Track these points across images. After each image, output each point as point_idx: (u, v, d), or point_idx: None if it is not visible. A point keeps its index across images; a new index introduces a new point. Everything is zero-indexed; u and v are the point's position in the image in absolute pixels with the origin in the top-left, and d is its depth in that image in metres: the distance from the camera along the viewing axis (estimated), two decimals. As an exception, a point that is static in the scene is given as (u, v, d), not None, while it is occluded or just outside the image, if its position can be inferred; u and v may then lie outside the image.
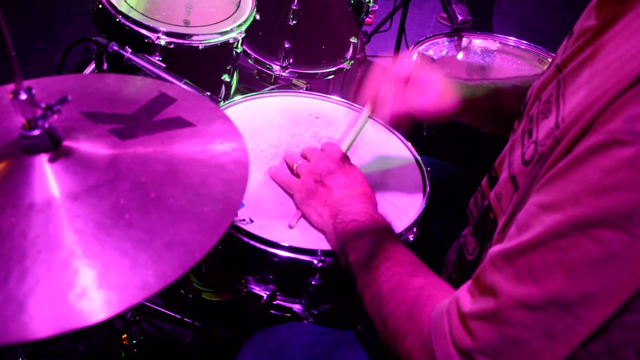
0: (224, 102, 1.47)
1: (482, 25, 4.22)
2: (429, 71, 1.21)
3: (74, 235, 0.71)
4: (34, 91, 0.75)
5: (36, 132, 0.77)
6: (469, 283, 0.79)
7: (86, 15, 3.95)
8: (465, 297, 0.76)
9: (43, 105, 0.74)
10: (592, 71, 0.72)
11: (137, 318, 1.64)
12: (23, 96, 0.74)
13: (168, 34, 1.57)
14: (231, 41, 1.67)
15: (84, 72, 2.11)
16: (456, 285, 1.06)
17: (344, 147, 1.33)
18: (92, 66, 2.07)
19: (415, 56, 1.99)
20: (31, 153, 0.78)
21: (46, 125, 0.77)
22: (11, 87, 0.96)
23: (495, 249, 0.74)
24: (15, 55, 0.75)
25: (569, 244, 0.62)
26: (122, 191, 0.76)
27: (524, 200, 0.75)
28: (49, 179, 0.76)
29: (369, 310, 0.96)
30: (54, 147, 0.79)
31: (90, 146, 0.82)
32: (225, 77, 1.78)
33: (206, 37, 1.62)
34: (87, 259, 0.69)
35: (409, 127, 1.23)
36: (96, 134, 0.86)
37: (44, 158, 0.78)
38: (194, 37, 1.60)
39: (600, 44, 0.74)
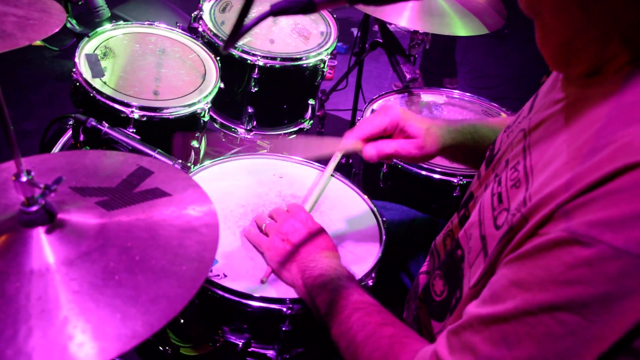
0: (194, 166, 1.60)
1: (452, 73, 4.78)
2: (416, 120, 1.35)
3: (71, 296, 0.83)
4: (32, 173, 0.88)
5: (34, 208, 0.90)
6: (445, 337, 0.90)
7: (55, 82, 4.07)
8: (444, 351, 0.88)
9: (42, 185, 0.87)
10: (557, 152, 0.83)
11: (117, 376, 1.71)
12: (24, 178, 0.87)
13: (140, 108, 1.71)
14: (199, 111, 1.82)
15: (60, 141, 2.21)
16: (418, 324, 1.18)
17: (308, 207, 1.48)
18: (68, 134, 2.18)
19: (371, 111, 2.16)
20: (30, 226, 0.90)
21: (42, 201, 0.90)
22: (5, 166, 1.08)
23: (473, 310, 0.86)
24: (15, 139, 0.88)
25: (536, 321, 0.75)
26: (111, 255, 0.89)
27: (494, 267, 0.88)
28: (46, 248, 0.88)
29: (345, 357, 1.08)
30: (50, 220, 0.91)
31: (81, 217, 0.95)
32: (194, 143, 1.92)
33: (175, 109, 1.77)
34: (84, 315, 0.80)
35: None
36: (85, 206, 0.98)
37: (41, 230, 0.90)
38: (165, 110, 1.75)
39: (565, 124, 0.86)
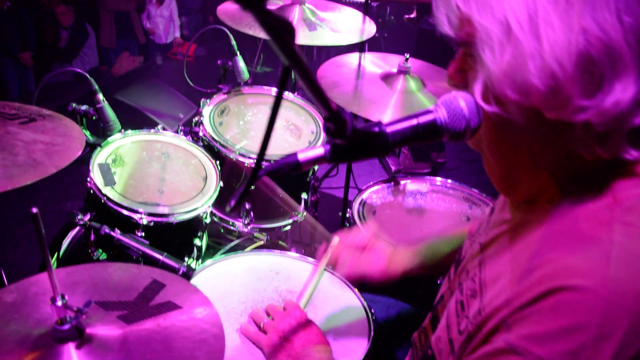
0: (198, 262, 1.75)
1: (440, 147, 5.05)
2: (380, 245, 1.56)
3: (99, 405, 0.97)
4: (66, 297, 1.04)
5: (66, 327, 1.05)
6: None
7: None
8: None
9: (75, 308, 1.03)
10: (503, 269, 1.01)
11: None
12: (59, 302, 1.03)
13: (149, 214, 1.89)
14: (201, 214, 2.00)
15: (69, 234, 2.38)
16: None
17: (302, 303, 1.64)
18: (76, 230, 2.35)
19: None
20: (62, 342, 1.05)
21: (74, 322, 1.05)
22: (35, 279, 1.23)
23: None
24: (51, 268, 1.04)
25: None
26: (133, 367, 1.04)
27: None
28: (76, 362, 1.04)
29: None
30: (80, 336, 1.06)
31: (105, 331, 1.11)
32: (197, 241, 2.09)
33: (180, 214, 1.95)
34: (111, 422, 0.95)
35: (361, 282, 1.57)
36: (108, 320, 1.14)
37: (71, 346, 1.05)
38: (170, 216, 1.93)
39: (510, 245, 1.04)
